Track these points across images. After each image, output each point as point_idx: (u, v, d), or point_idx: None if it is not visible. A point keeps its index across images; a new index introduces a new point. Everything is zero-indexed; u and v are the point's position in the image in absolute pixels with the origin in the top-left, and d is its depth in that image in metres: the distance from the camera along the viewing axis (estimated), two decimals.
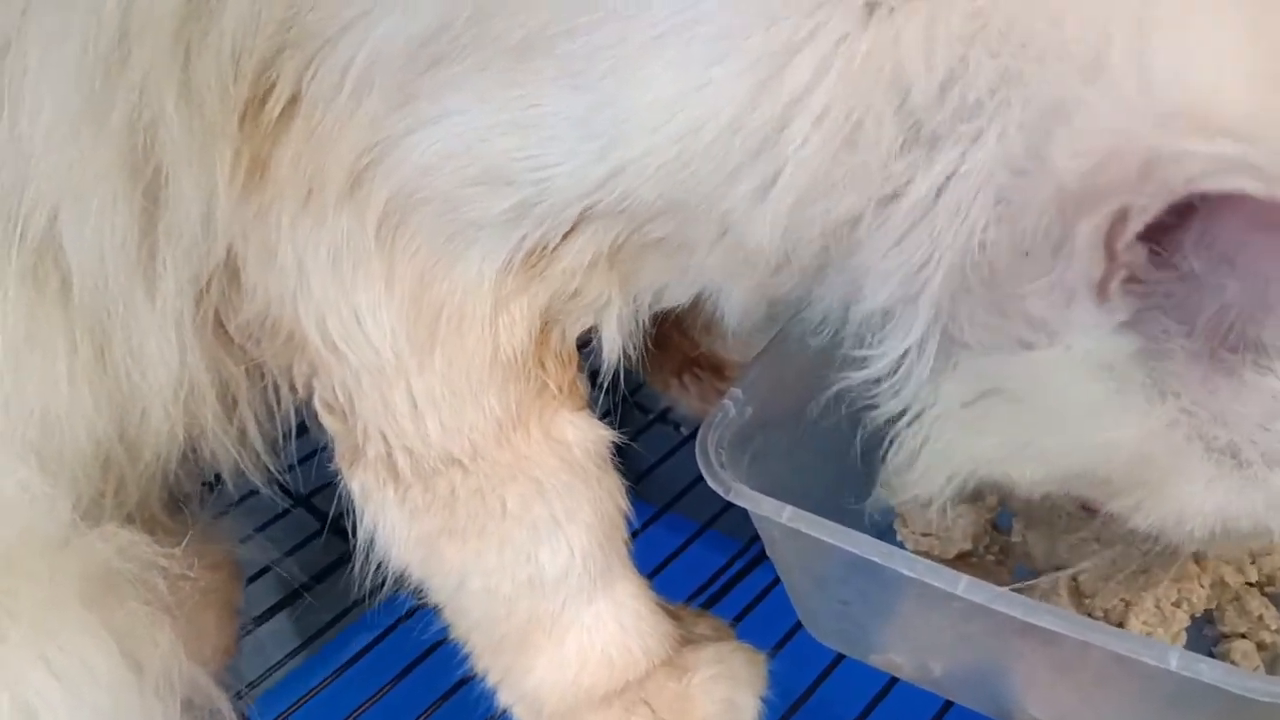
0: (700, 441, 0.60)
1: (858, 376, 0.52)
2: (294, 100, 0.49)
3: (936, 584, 0.52)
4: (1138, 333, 0.44)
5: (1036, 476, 0.50)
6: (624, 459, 0.64)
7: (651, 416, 0.87)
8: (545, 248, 0.51)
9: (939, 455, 0.51)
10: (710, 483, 0.58)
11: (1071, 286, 0.44)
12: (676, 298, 0.56)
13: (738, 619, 0.69)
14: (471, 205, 0.49)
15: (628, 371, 0.71)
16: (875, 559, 0.54)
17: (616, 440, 0.60)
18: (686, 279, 0.54)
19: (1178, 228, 0.41)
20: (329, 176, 0.49)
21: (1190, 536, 0.50)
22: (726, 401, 0.62)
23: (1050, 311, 0.45)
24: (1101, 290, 0.43)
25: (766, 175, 0.46)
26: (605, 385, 0.59)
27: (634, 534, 0.65)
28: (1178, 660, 0.48)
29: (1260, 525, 0.48)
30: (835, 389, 0.54)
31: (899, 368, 0.50)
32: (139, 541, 0.59)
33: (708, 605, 0.71)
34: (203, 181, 0.51)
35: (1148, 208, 0.40)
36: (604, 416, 0.80)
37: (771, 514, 0.56)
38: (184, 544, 0.61)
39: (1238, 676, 0.48)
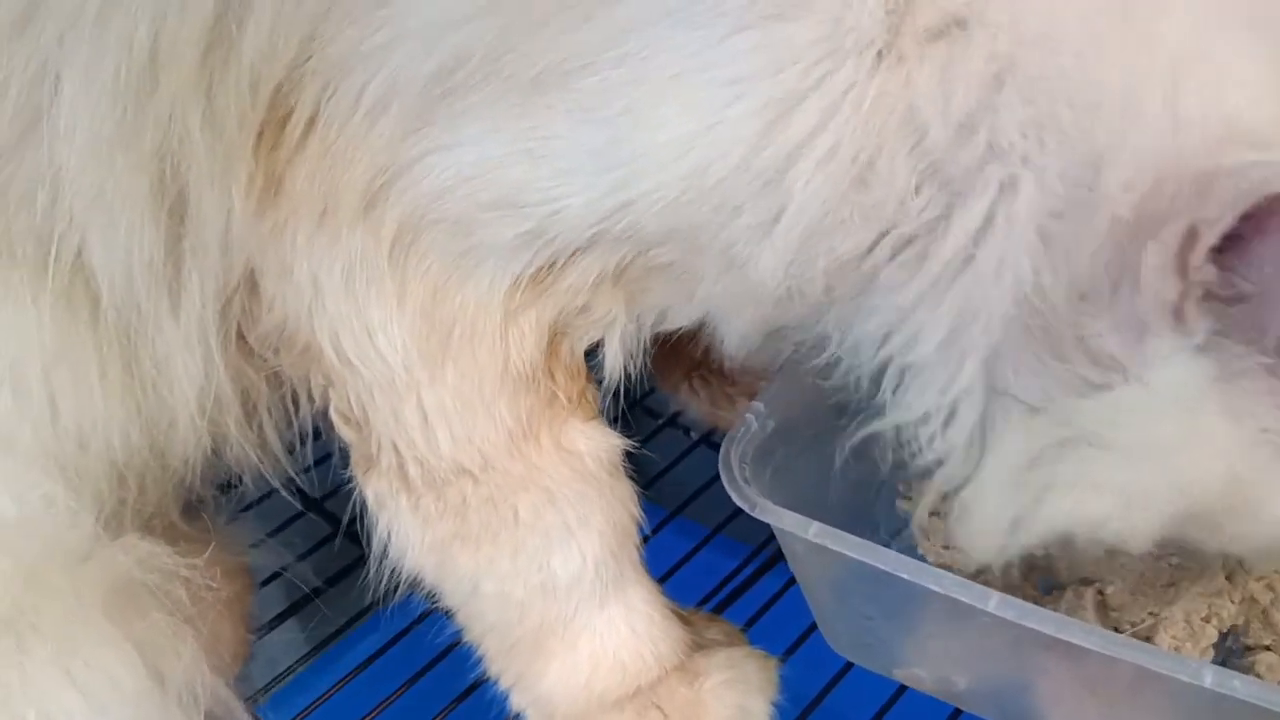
0: (723, 456, 0.60)
1: (884, 423, 0.53)
2: (312, 122, 0.50)
3: (966, 599, 0.52)
4: (1211, 357, 0.44)
5: (1146, 527, 0.49)
6: (635, 464, 0.64)
7: (661, 421, 0.88)
8: (553, 265, 0.52)
9: (1023, 517, 0.51)
10: (735, 498, 0.58)
11: (1142, 318, 0.44)
12: (679, 321, 0.57)
13: (749, 624, 0.69)
14: (484, 230, 0.50)
15: (638, 377, 0.72)
16: (904, 575, 0.54)
17: (629, 448, 0.60)
18: (692, 305, 0.55)
19: (1242, 242, 0.42)
20: (343, 196, 0.50)
21: None
22: (749, 415, 0.62)
23: (1123, 348, 0.45)
24: (1178, 313, 0.44)
25: (771, 211, 0.47)
26: (614, 391, 0.59)
27: (645, 538, 0.65)
28: (1212, 678, 0.48)
29: None
30: (859, 434, 0.55)
31: (943, 421, 0.51)
32: (160, 552, 0.60)
33: (719, 610, 0.71)
34: (223, 201, 0.52)
35: (1219, 220, 0.41)
36: (614, 421, 0.81)
37: (797, 530, 0.57)
38: (204, 554, 0.62)
39: (1274, 693, 0.47)
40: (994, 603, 0.52)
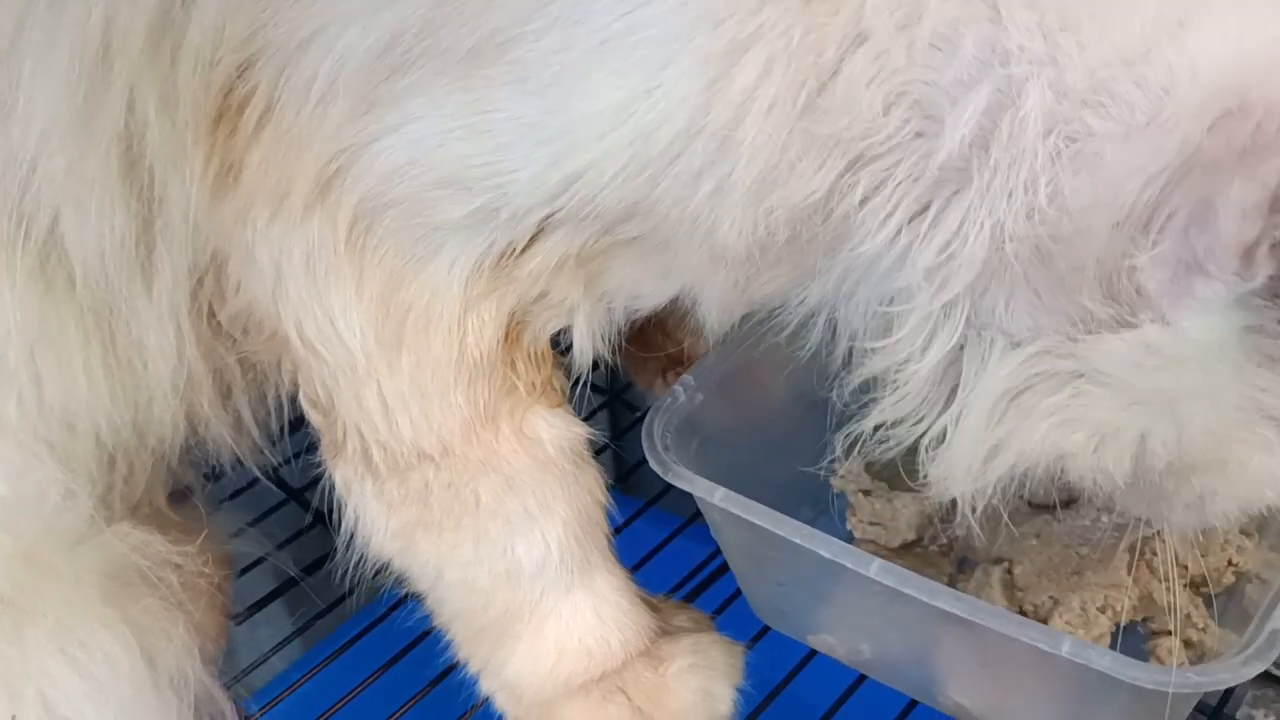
0: (647, 424, 0.63)
1: (870, 368, 0.52)
2: (268, 108, 0.50)
3: (849, 565, 0.55)
4: (1245, 307, 0.43)
5: (1122, 468, 0.48)
6: (610, 455, 0.65)
7: (639, 414, 0.88)
8: (513, 250, 0.52)
9: (992, 444, 0.50)
10: (652, 463, 0.61)
11: (1195, 258, 0.43)
12: (653, 300, 0.56)
13: (719, 611, 0.70)
14: (435, 209, 0.50)
15: (614, 370, 0.73)
16: (797, 540, 0.56)
17: (592, 437, 0.61)
18: (667, 280, 0.55)
19: None
20: (298, 181, 0.51)
21: (1254, 511, 0.51)
22: (677, 387, 0.65)
23: (1163, 285, 0.44)
24: (1248, 255, 0.42)
25: (723, 173, 0.46)
26: (584, 382, 0.60)
27: (619, 529, 0.66)
28: (1069, 647, 0.50)
29: None
30: (834, 384, 0.54)
31: (924, 358, 0.49)
32: (153, 540, 0.61)
33: (691, 597, 0.72)
34: (184, 185, 0.53)
35: None
36: (591, 415, 0.82)
37: (704, 494, 0.59)
38: (194, 541, 0.63)
39: (1124, 665, 0.49)
40: (874, 568, 0.54)
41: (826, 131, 0.45)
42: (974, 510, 0.52)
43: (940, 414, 0.51)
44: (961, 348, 0.49)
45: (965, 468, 0.51)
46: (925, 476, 0.57)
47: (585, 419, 0.89)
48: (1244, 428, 0.47)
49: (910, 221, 0.46)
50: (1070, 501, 0.64)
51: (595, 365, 0.60)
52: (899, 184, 0.45)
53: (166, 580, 0.61)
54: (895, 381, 0.51)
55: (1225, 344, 0.44)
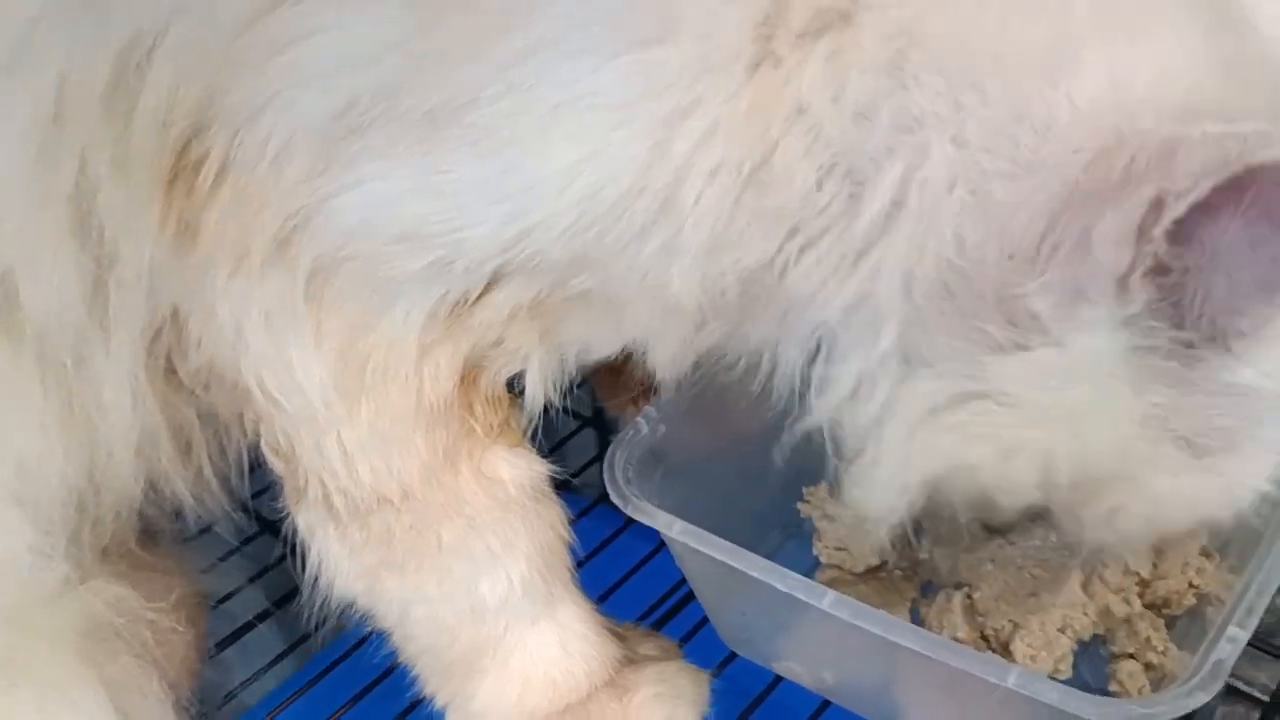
0: (609, 457, 0.64)
1: (819, 405, 0.53)
2: (223, 169, 0.51)
3: (804, 598, 0.56)
4: (1131, 328, 0.45)
5: (1027, 481, 0.51)
6: (597, 470, 0.66)
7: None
8: (467, 300, 0.53)
9: (915, 468, 0.52)
10: (612, 496, 0.62)
11: (1080, 284, 0.45)
12: (604, 351, 0.58)
13: (691, 634, 0.71)
14: (392, 263, 0.51)
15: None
16: (752, 573, 0.57)
17: (555, 473, 0.62)
18: (618, 333, 0.56)
19: (1203, 214, 0.42)
20: (255, 239, 0.51)
21: (1158, 535, 0.53)
22: (640, 419, 0.66)
23: (1051, 310, 0.46)
24: (1123, 283, 0.44)
25: (670, 232, 0.48)
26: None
27: (604, 541, 0.69)
28: (1015, 679, 0.51)
29: (1214, 514, 0.51)
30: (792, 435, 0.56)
31: (866, 385, 0.51)
32: (127, 596, 0.62)
33: (666, 618, 0.73)
34: (140, 244, 0.54)
35: (1190, 190, 0.41)
36: (576, 431, 0.83)
37: (664, 528, 0.61)
38: (167, 582, 0.64)
39: (1072, 697, 0.50)
40: (828, 600, 0.56)
41: (769, 204, 0.47)
42: (889, 529, 0.55)
43: (873, 443, 0.53)
44: (893, 385, 0.51)
45: (881, 487, 0.53)
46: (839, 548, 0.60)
47: (570, 436, 0.90)
48: (1149, 446, 0.48)
49: (836, 275, 0.49)
50: (1014, 525, 0.66)
51: (582, 383, 0.60)
52: (831, 246, 0.48)
53: (141, 636, 0.61)
54: (843, 424, 0.53)
55: (1115, 363, 0.46)
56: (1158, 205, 0.42)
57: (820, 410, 0.53)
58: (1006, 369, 0.48)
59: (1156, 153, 0.42)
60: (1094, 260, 0.44)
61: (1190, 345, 0.46)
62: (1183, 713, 0.50)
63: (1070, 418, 0.48)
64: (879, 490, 0.53)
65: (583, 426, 0.92)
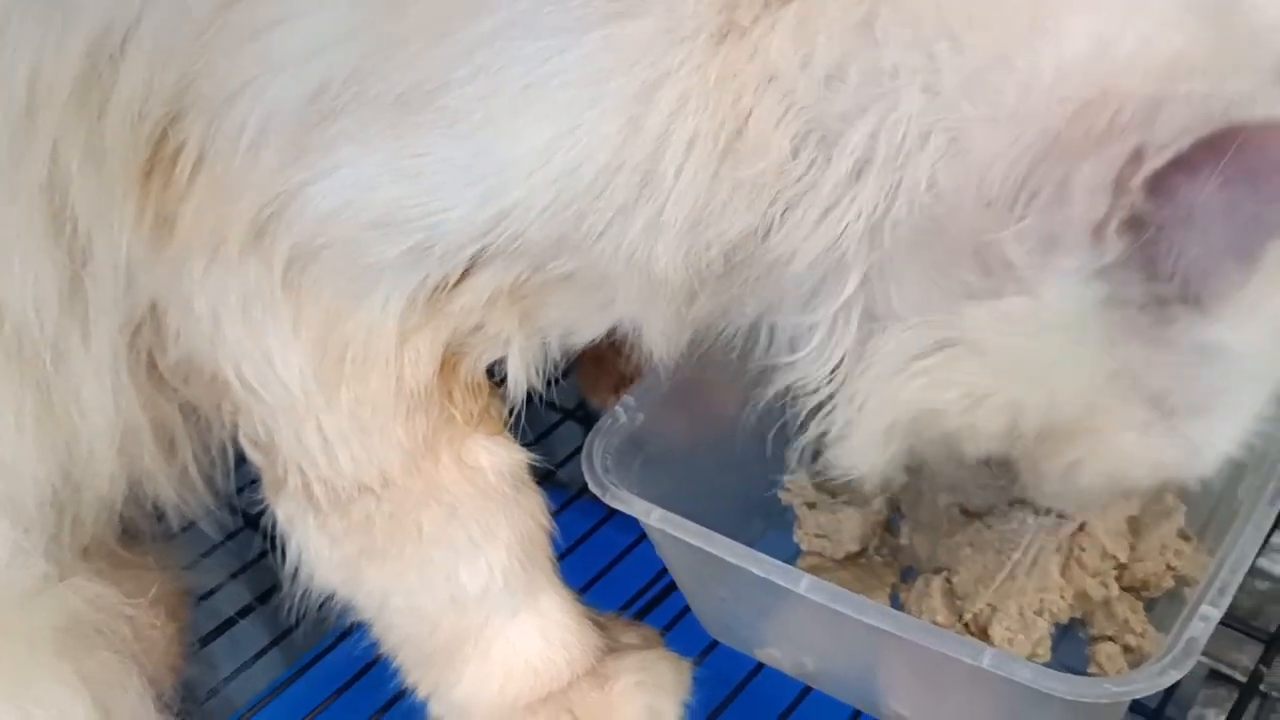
0: (587, 445, 0.64)
1: (791, 360, 0.54)
2: (199, 159, 0.51)
3: (780, 582, 0.57)
4: (1104, 281, 0.46)
5: (994, 429, 0.51)
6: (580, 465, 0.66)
7: None
8: (446, 285, 0.53)
9: (886, 414, 0.52)
10: (590, 485, 0.62)
11: (1055, 232, 0.45)
12: (589, 334, 0.58)
13: (673, 623, 0.71)
14: (369, 249, 0.51)
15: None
16: (729, 559, 0.58)
17: (534, 461, 0.62)
18: (605, 314, 0.56)
19: (1184, 169, 0.42)
20: (232, 228, 0.51)
21: (1125, 489, 0.53)
22: (618, 408, 0.66)
23: (1025, 258, 0.46)
24: (1098, 232, 0.44)
25: (654, 209, 0.48)
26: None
27: (586, 533, 0.69)
28: (989, 659, 0.52)
29: (1178, 475, 0.52)
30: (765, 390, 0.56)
31: (829, 337, 0.52)
32: (106, 593, 0.62)
33: (649, 608, 0.74)
34: (115, 237, 0.54)
35: (1170, 144, 0.41)
36: (558, 424, 0.83)
37: (641, 515, 0.61)
38: (149, 580, 0.64)
39: (1045, 677, 0.51)
40: (804, 585, 0.56)
41: (747, 174, 0.47)
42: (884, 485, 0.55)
43: (845, 402, 0.54)
44: (861, 341, 0.52)
45: (858, 441, 0.54)
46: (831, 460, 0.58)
47: (554, 428, 0.90)
48: (1119, 402, 0.49)
49: (809, 233, 0.49)
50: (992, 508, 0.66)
51: (566, 375, 0.60)
52: (806, 209, 0.48)
53: (120, 632, 0.61)
54: (810, 384, 0.54)
55: (1086, 314, 0.47)
56: (1137, 157, 0.42)
57: (791, 367, 0.54)
58: (978, 316, 0.48)
59: (1141, 107, 0.43)
60: (1070, 208, 0.45)
61: (1165, 302, 0.46)
62: (1155, 690, 0.50)
63: (1039, 367, 0.49)
64: (857, 445, 0.54)
65: (565, 419, 0.92)
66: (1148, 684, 0.50)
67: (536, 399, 0.60)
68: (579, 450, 0.82)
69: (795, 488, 0.73)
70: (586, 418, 0.92)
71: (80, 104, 0.52)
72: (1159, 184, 0.43)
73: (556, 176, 0.48)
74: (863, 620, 0.54)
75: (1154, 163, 0.42)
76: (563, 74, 0.46)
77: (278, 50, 0.49)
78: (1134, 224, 0.44)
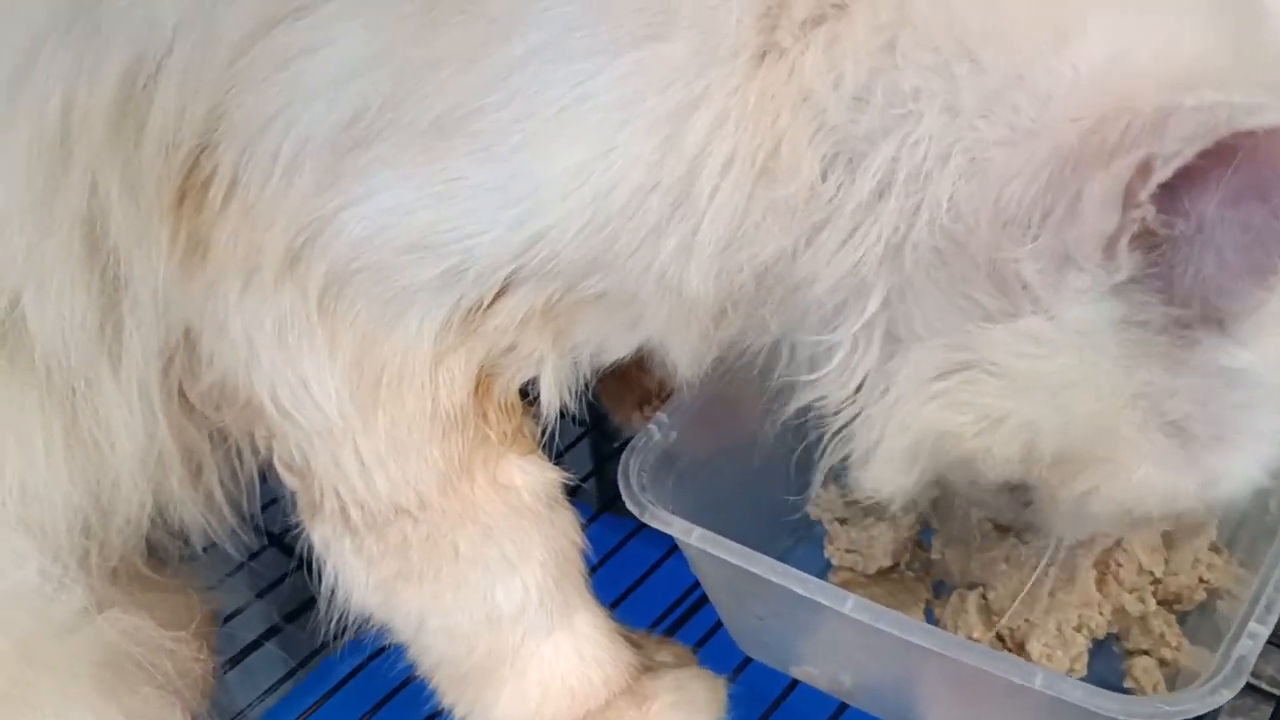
0: (622, 464, 0.64)
1: (812, 379, 0.54)
2: (233, 185, 0.51)
3: (825, 602, 0.56)
4: (1120, 300, 0.46)
5: (1009, 452, 0.51)
6: (593, 483, 0.65)
7: (617, 445, 0.89)
8: (480, 306, 0.53)
9: (905, 436, 0.52)
10: (628, 504, 0.62)
11: (1068, 250, 0.45)
12: (619, 352, 0.58)
13: (704, 639, 0.71)
14: (404, 273, 0.51)
15: (594, 400, 0.73)
16: (772, 578, 0.57)
17: (567, 479, 0.62)
18: (634, 332, 0.56)
19: (1192, 181, 0.42)
20: (267, 255, 0.51)
21: (1137, 519, 0.52)
22: (651, 426, 0.66)
23: (1039, 277, 0.46)
24: (1109, 247, 0.44)
25: (687, 230, 0.49)
26: (566, 416, 0.61)
27: (610, 552, 0.67)
28: (1041, 680, 0.51)
29: (1196, 504, 0.51)
30: (787, 407, 0.56)
31: (850, 358, 0.52)
32: (144, 625, 0.61)
33: (678, 624, 0.73)
34: (151, 263, 0.53)
35: (1177, 154, 0.41)
36: (572, 445, 0.82)
37: (680, 534, 0.60)
38: (176, 614, 0.64)
39: (1098, 696, 0.50)
40: (850, 605, 0.56)
41: (779, 196, 0.47)
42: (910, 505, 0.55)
43: (864, 425, 0.54)
44: (883, 362, 0.52)
45: (885, 466, 0.53)
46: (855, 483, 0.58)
47: (567, 449, 0.90)
48: (1136, 429, 0.49)
49: (832, 255, 0.49)
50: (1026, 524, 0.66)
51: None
52: (831, 231, 0.49)
53: (161, 667, 0.61)
54: (828, 399, 0.54)
55: (1104, 335, 0.47)
56: (1146, 169, 0.42)
57: (812, 386, 0.54)
58: (994, 337, 0.48)
59: (1150, 119, 0.42)
60: (1082, 224, 0.44)
61: (1184, 324, 0.46)
62: (1208, 709, 0.50)
63: (1056, 390, 0.48)
64: (880, 467, 0.54)
65: (583, 435, 0.92)
66: (1200, 704, 0.50)
67: (557, 416, 0.60)
68: (600, 466, 0.82)
69: (825, 503, 0.73)
70: (604, 433, 0.91)
71: (116, 133, 0.52)
72: (1168, 196, 0.42)
73: (592, 198, 0.48)
74: (911, 641, 0.54)
75: (1161, 174, 0.41)
76: (596, 96, 0.47)
77: (310, 78, 0.49)
78: (1146, 239, 0.44)
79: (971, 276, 0.48)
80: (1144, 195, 0.42)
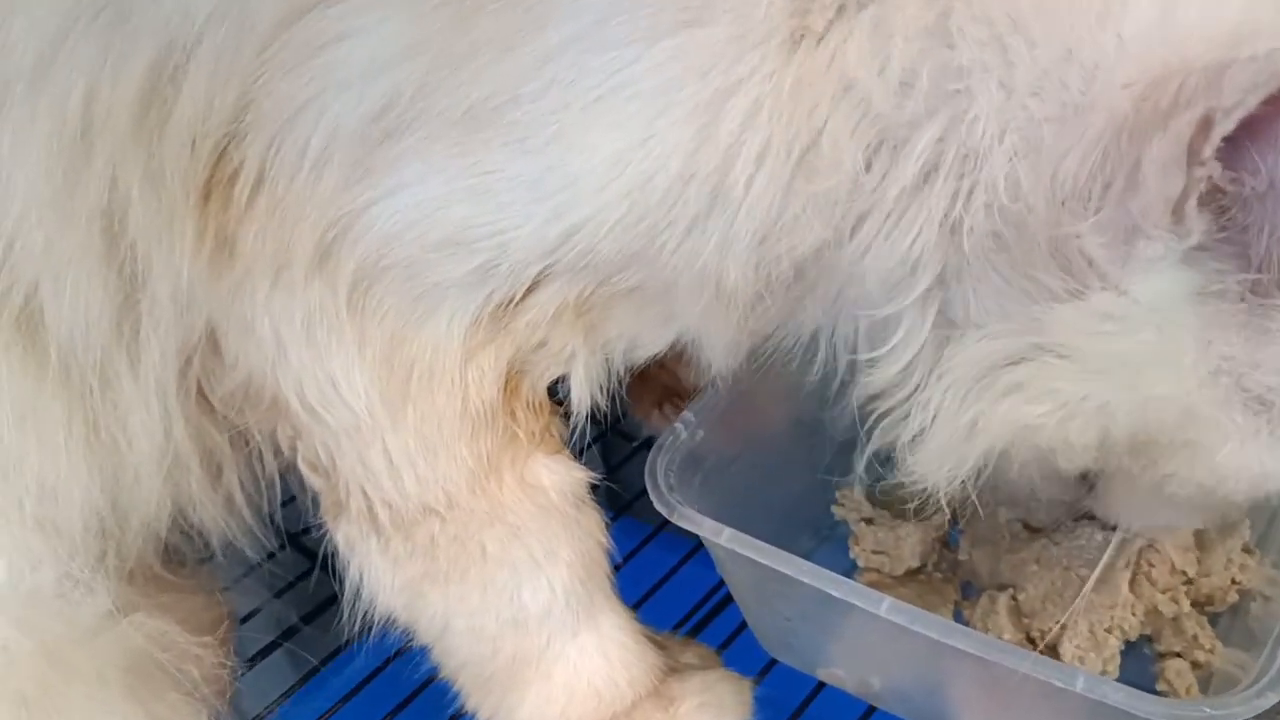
0: (650, 464, 0.63)
1: (871, 378, 0.53)
2: (259, 180, 0.50)
3: (860, 604, 0.55)
4: (1194, 270, 0.44)
5: (1087, 440, 0.49)
6: (618, 480, 0.65)
7: (636, 444, 0.88)
8: (511, 301, 0.52)
9: (982, 438, 0.50)
10: (656, 504, 0.61)
11: (1134, 219, 0.44)
12: (652, 348, 0.57)
13: (728, 642, 0.70)
14: (435, 269, 0.50)
15: (612, 401, 0.72)
16: (805, 580, 0.56)
17: (594, 480, 0.61)
18: (668, 326, 0.55)
19: (1256, 133, 0.41)
20: (296, 250, 0.50)
21: (1225, 500, 0.50)
22: (678, 425, 0.65)
23: (1106, 251, 0.45)
24: (1177, 211, 0.43)
25: (724, 221, 0.48)
26: (584, 418, 0.60)
27: (629, 555, 0.66)
28: (1083, 683, 0.50)
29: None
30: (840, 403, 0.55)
31: (904, 339, 0.51)
32: (169, 630, 0.61)
33: (700, 626, 0.72)
34: (172, 260, 0.52)
35: (1238, 105, 0.39)
36: (594, 442, 0.82)
37: (710, 535, 0.60)
38: (194, 615, 0.63)
39: (1141, 700, 0.49)
40: (885, 607, 0.55)
41: (820, 188, 0.46)
42: (952, 499, 0.53)
43: (920, 408, 0.52)
44: (937, 345, 0.50)
45: (941, 456, 0.52)
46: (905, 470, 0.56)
47: (591, 444, 0.90)
48: (1218, 407, 0.46)
49: (879, 244, 0.48)
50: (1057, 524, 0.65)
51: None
52: (877, 220, 0.48)
53: (188, 672, 0.60)
54: (882, 385, 0.53)
55: (1177, 307, 0.45)
56: (1206, 124, 0.41)
57: (866, 380, 0.53)
58: (1063, 318, 0.46)
59: (1205, 76, 0.41)
60: (1146, 191, 0.43)
61: (1264, 292, 0.44)
62: (1253, 713, 0.49)
63: (1132, 369, 0.46)
64: (932, 456, 0.52)
65: (597, 439, 0.91)
66: (1246, 707, 0.49)
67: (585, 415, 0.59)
68: (619, 465, 0.81)
69: (850, 503, 0.72)
70: (622, 434, 0.91)
71: (139, 126, 0.51)
72: (1234, 152, 0.41)
73: (629, 189, 0.47)
74: (945, 644, 0.53)
75: (1224, 126, 0.40)
76: (634, 84, 0.46)
77: (341, 67, 0.48)
78: (1215, 199, 0.42)
79: (1033, 257, 0.46)
80: (1208, 151, 0.41)
